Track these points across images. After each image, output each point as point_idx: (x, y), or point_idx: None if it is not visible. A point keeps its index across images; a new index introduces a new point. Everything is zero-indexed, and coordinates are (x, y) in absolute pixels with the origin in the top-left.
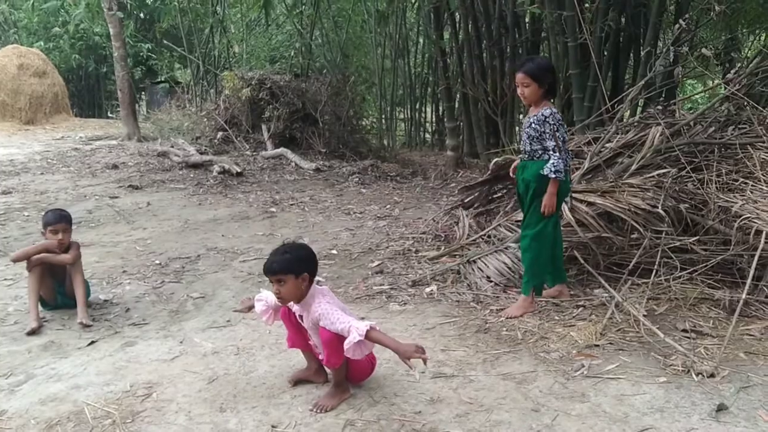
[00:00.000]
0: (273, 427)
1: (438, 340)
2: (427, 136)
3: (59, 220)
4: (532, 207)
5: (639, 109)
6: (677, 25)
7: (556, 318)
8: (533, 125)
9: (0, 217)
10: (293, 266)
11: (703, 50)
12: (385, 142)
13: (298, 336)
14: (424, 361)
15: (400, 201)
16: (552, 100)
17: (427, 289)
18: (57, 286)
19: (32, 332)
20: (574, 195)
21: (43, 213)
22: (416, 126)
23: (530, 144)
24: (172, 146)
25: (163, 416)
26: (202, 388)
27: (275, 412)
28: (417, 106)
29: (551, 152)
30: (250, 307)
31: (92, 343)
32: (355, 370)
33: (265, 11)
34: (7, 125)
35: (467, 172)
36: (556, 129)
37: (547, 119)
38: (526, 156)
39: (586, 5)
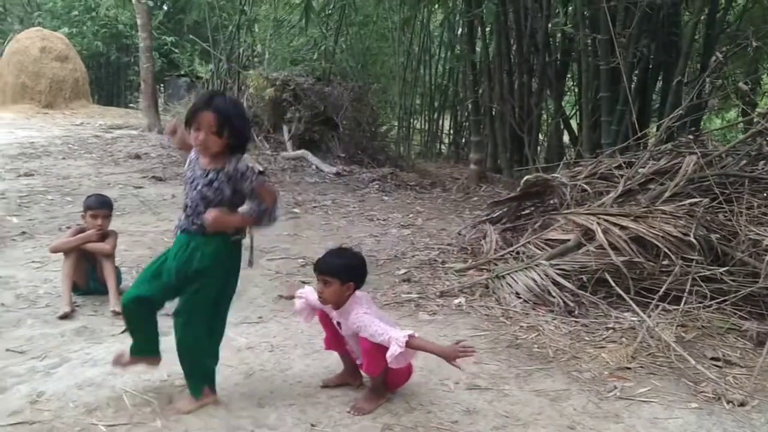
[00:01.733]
0: (312, 425)
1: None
2: (443, 147)
3: (101, 206)
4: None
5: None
6: (714, 58)
7: (587, 339)
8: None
9: (24, 200)
10: (342, 272)
11: (740, 84)
12: (402, 151)
13: (335, 339)
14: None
15: (422, 211)
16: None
17: (456, 301)
18: (90, 271)
19: (65, 316)
20: (607, 218)
21: (67, 198)
22: (432, 137)
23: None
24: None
25: (202, 408)
26: (239, 383)
27: (313, 411)
28: (434, 117)
29: None
30: (292, 296)
31: (125, 330)
32: (392, 377)
33: (305, 13)
34: (25, 107)
35: (490, 186)
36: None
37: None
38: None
39: (619, 30)
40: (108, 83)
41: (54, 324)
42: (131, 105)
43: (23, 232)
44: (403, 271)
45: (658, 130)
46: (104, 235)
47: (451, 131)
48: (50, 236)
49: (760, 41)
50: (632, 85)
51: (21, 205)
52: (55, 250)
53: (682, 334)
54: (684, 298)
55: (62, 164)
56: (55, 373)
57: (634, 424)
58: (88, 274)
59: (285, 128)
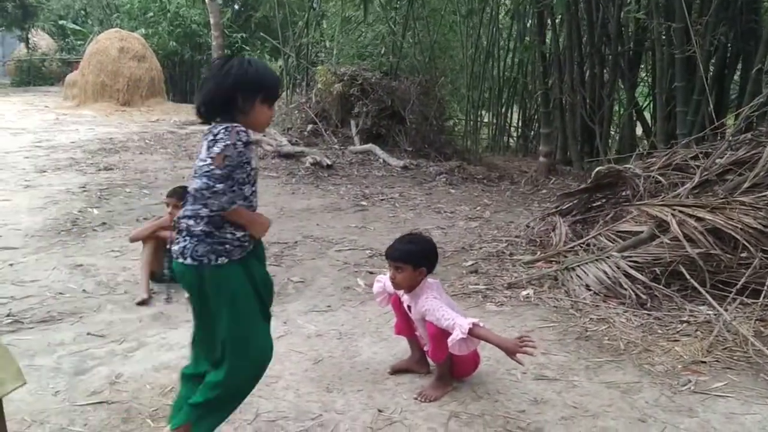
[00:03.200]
0: (379, 411)
1: (538, 344)
2: (511, 141)
3: (171, 195)
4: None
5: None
6: None
7: (659, 332)
8: None
9: (103, 192)
10: (414, 258)
11: None
12: (469, 145)
13: (406, 324)
14: (532, 353)
15: (489, 204)
16: None
17: (524, 293)
18: (168, 261)
19: (142, 303)
20: (682, 209)
21: (143, 190)
22: (500, 130)
23: None
24: (264, 135)
25: (272, 391)
26: (308, 368)
27: (380, 397)
28: (502, 110)
29: None
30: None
31: None
32: (459, 366)
33: (364, 6)
34: (105, 105)
35: (559, 179)
36: None
37: None
38: None
39: (695, 18)
40: (182, 81)
41: (132, 310)
42: None
43: (103, 223)
44: (470, 262)
45: (736, 119)
46: None
47: (520, 124)
48: (128, 227)
49: None
50: (709, 75)
51: (101, 198)
52: (133, 239)
53: (761, 328)
54: (764, 292)
55: (139, 159)
56: (133, 356)
57: (709, 419)
58: (166, 263)
59: (353, 122)
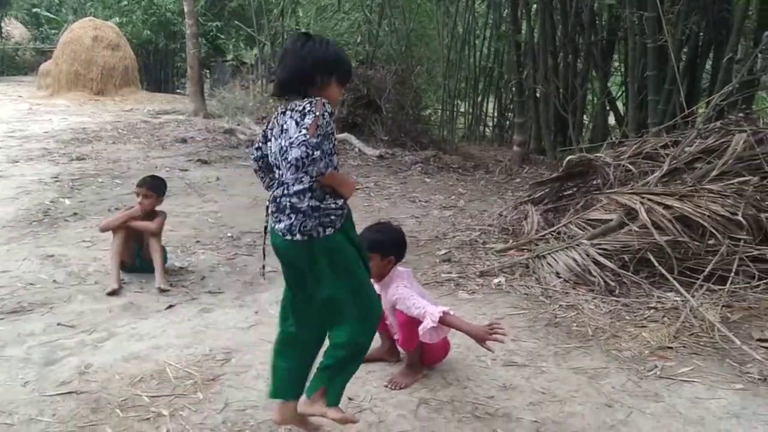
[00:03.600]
0: (350, 399)
1: (508, 331)
2: (487, 130)
3: (141, 185)
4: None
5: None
6: (766, 33)
7: (627, 318)
8: None
9: (76, 182)
10: (382, 247)
11: None
12: (445, 134)
13: None
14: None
15: (464, 193)
16: None
17: (496, 280)
18: (137, 249)
19: (113, 293)
20: (651, 197)
21: (116, 180)
22: (476, 119)
23: None
24: (238, 125)
25: (242, 381)
26: None
27: (351, 385)
28: (479, 100)
29: None
30: None
31: (170, 307)
32: (429, 353)
33: None
34: (78, 94)
35: (533, 168)
36: None
37: None
38: None
39: (668, 7)
40: (156, 70)
41: (102, 300)
42: (178, 91)
43: (75, 213)
44: (443, 251)
45: (707, 108)
46: (153, 215)
47: (496, 114)
48: (100, 217)
49: None
50: (681, 64)
51: (73, 188)
52: (104, 229)
53: (728, 314)
54: (730, 278)
55: (112, 149)
56: (103, 346)
57: (674, 404)
58: (135, 253)
59: None
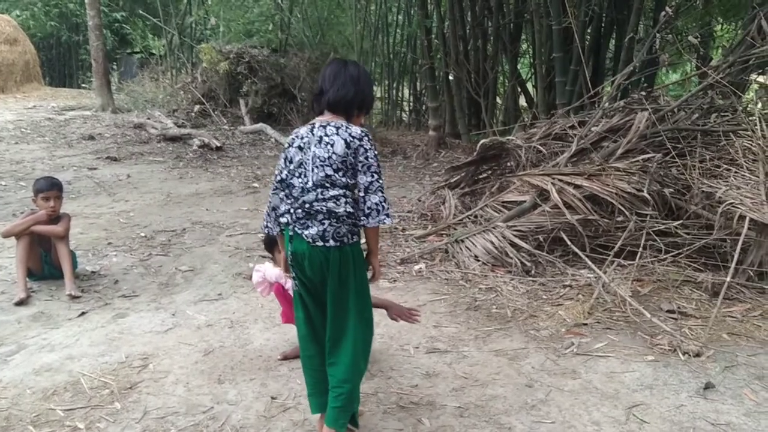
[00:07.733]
0: (273, 398)
1: (430, 317)
2: (404, 115)
3: (51, 188)
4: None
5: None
6: (663, 13)
7: (544, 297)
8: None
9: None
10: None
11: (690, 38)
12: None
13: (292, 312)
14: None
15: None
16: None
17: (416, 267)
18: (44, 255)
19: (20, 302)
20: (561, 177)
21: (20, 183)
22: (393, 105)
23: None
24: (149, 118)
25: (161, 387)
26: (198, 360)
27: (274, 384)
28: (394, 85)
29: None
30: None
31: (83, 314)
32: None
33: None
34: None
35: (449, 152)
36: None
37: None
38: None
39: None
40: (60, 64)
41: (10, 311)
42: (84, 85)
43: None
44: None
45: (604, 88)
46: (56, 218)
47: (411, 99)
48: (4, 222)
49: None
50: (585, 45)
51: None
52: (6, 235)
53: (638, 288)
54: (639, 253)
55: (15, 149)
56: (12, 360)
57: (591, 379)
58: (43, 259)
59: (242, 102)
